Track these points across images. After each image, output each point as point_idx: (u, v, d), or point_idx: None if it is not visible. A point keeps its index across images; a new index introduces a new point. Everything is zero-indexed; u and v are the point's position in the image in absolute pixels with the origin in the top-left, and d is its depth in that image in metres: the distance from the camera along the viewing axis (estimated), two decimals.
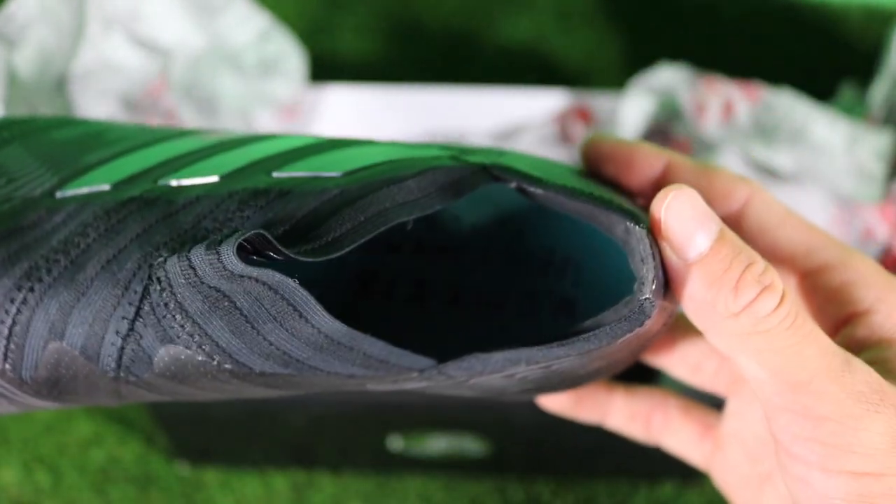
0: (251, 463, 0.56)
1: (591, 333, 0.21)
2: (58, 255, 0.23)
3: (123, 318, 0.22)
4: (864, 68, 0.72)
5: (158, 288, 0.22)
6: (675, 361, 0.29)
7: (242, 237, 0.21)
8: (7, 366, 0.23)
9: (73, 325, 0.23)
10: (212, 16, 0.54)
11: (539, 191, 0.23)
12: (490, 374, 0.22)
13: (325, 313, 0.21)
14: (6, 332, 0.23)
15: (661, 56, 0.71)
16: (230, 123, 0.57)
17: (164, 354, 0.22)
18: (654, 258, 0.21)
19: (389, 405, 0.49)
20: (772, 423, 0.22)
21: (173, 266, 0.22)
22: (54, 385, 0.24)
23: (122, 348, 0.23)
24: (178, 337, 0.22)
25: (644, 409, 0.29)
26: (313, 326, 0.21)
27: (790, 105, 0.55)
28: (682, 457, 0.29)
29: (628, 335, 0.21)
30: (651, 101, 0.55)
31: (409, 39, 0.75)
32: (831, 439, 0.21)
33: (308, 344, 0.21)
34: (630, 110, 0.55)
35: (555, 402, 0.29)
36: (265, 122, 0.57)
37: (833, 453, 0.21)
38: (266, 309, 0.21)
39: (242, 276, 0.21)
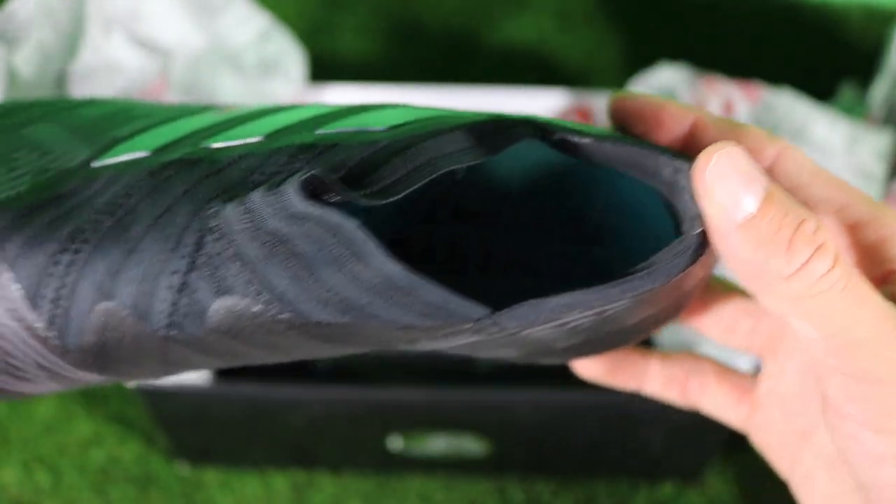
0: (251, 463, 0.56)
1: (646, 271, 0.21)
2: (102, 216, 0.23)
3: (176, 272, 0.22)
4: (864, 68, 0.72)
5: (213, 238, 0.22)
6: (710, 323, 0.29)
7: (304, 177, 0.21)
8: (52, 333, 0.23)
9: (123, 283, 0.22)
10: (212, 16, 0.54)
11: (585, 140, 0.23)
12: (543, 322, 0.22)
13: (385, 255, 0.21)
14: (52, 295, 0.23)
15: (661, 56, 0.71)
16: None
17: (218, 307, 0.22)
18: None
19: (389, 405, 0.49)
20: (823, 384, 0.22)
21: (231, 212, 0.22)
22: (100, 352, 0.23)
23: (175, 303, 0.22)
24: (235, 287, 0.22)
25: (680, 375, 0.29)
26: (373, 269, 0.21)
27: (790, 105, 0.55)
28: (720, 419, 0.29)
29: (682, 273, 0.21)
30: None
31: (409, 39, 0.75)
32: (885, 400, 0.21)
33: (367, 289, 0.21)
34: None
35: (592, 370, 0.29)
36: None
37: (887, 414, 0.21)
38: (325, 252, 0.21)
39: (303, 217, 0.21)
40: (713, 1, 0.77)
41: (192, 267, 0.22)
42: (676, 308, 0.25)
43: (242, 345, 0.23)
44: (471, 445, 0.52)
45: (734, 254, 0.20)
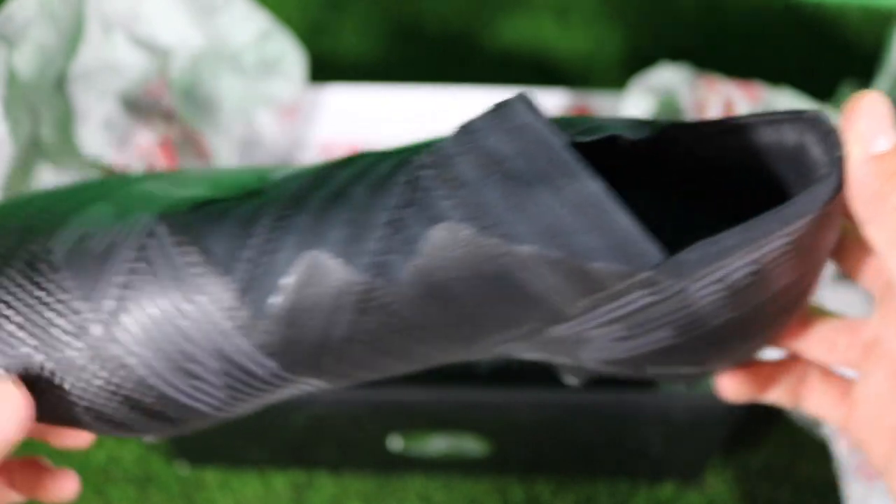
0: (251, 463, 0.56)
1: (798, 199, 0.23)
2: (297, 188, 0.24)
3: (387, 208, 0.23)
4: (864, 68, 0.72)
5: (427, 170, 0.23)
6: (812, 343, 0.31)
7: (518, 97, 0.23)
8: (244, 300, 0.23)
9: (332, 226, 0.23)
10: (212, 16, 0.54)
11: (710, 130, 0.26)
12: (712, 271, 0.24)
13: (589, 174, 0.22)
14: (249, 255, 0.23)
15: (661, 56, 0.71)
16: (230, 123, 0.57)
17: (427, 240, 0.23)
18: (838, 130, 0.24)
19: (389, 405, 0.49)
20: None
21: (449, 140, 0.23)
22: (291, 321, 0.23)
23: (386, 238, 0.23)
24: (447, 213, 0.23)
25: (795, 381, 0.32)
26: (576, 187, 0.22)
27: (790, 105, 0.55)
28: (823, 418, 0.32)
29: (830, 204, 0.24)
30: (651, 100, 0.55)
31: (409, 39, 0.75)
32: None
33: (570, 206, 0.22)
34: (630, 110, 0.55)
35: (737, 388, 0.31)
36: (265, 122, 0.57)
37: None
38: (536, 169, 0.22)
39: (521, 130, 0.23)
40: (713, 1, 0.77)
41: (405, 202, 0.23)
42: (807, 285, 0.27)
43: (435, 299, 0.23)
44: (471, 445, 0.52)
45: (863, 181, 0.23)
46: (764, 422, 0.57)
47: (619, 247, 0.23)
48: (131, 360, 0.24)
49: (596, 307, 0.24)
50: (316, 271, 0.23)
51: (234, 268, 0.23)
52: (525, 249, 0.22)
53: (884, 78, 0.57)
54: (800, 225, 0.23)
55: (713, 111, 0.56)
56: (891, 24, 0.74)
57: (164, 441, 0.57)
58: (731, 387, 0.32)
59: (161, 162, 0.53)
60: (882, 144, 0.23)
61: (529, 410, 0.48)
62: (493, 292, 0.23)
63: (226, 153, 0.57)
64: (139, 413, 0.25)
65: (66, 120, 0.51)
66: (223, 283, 0.23)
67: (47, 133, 0.49)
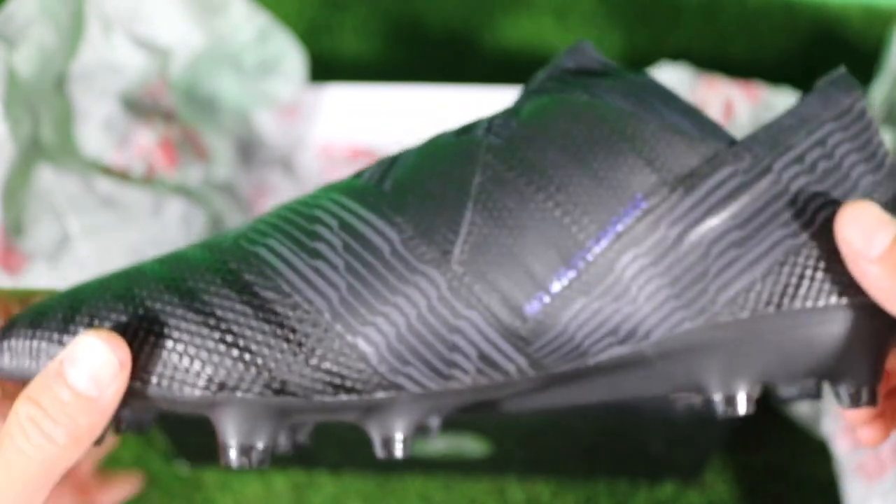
0: None
1: (831, 87, 0.26)
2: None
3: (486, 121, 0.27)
4: (864, 68, 0.72)
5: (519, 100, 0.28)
6: None
7: (580, 42, 0.28)
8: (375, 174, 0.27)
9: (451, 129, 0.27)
10: (212, 16, 0.54)
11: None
12: (783, 150, 0.26)
13: (653, 77, 0.27)
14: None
15: (661, 56, 0.71)
16: (230, 123, 0.57)
17: (529, 106, 0.27)
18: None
19: None
20: None
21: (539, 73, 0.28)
22: (408, 186, 0.26)
23: (493, 118, 0.27)
24: (541, 87, 0.27)
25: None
26: (639, 77, 0.27)
27: (790, 105, 0.55)
28: None
29: (860, 92, 0.26)
30: None
31: (409, 39, 0.75)
32: None
33: (639, 86, 0.27)
34: None
35: (877, 434, 0.32)
36: (265, 122, 0.57)
37: None
38: (599, 71, 0.27)
39: (584, 52, 0.28)
40: (713, 1, 0.77)
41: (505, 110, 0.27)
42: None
43: (547, 142, 0.26)
44: (471, 445, 0.52)
45: (878, 284, 0.24)
46: (764, 422, 0.57)
47: (689, 111, 0.26)
48: (366, 347, 0.26)
49: (693, 182, 0.25)
50: (450, 143, 0.26)
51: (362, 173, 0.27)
52: (618, 108, 0.26)
53: (884, 78, 0.57)
54: (845, 105, 0.26)
55: (713, 111, 0.56)
56: (891, 25, 0.74)
57: (164, 441, 0.57)
58: (871, 433, 0.32)
59: (161, 162, 0.53)
60: (879, 246, 0.24)
61: (529, 410, 0.48)
62: (601, 140, 0.26)
63: (226, 153, 0.57)
64: (336, 388, 0.26)
65: (66, 120, 0.51)
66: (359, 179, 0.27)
67: (47, 133, 0.49)
